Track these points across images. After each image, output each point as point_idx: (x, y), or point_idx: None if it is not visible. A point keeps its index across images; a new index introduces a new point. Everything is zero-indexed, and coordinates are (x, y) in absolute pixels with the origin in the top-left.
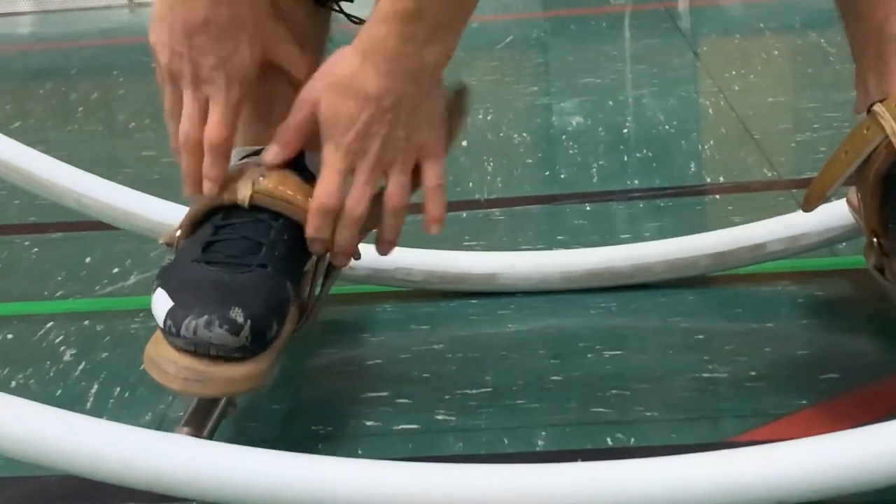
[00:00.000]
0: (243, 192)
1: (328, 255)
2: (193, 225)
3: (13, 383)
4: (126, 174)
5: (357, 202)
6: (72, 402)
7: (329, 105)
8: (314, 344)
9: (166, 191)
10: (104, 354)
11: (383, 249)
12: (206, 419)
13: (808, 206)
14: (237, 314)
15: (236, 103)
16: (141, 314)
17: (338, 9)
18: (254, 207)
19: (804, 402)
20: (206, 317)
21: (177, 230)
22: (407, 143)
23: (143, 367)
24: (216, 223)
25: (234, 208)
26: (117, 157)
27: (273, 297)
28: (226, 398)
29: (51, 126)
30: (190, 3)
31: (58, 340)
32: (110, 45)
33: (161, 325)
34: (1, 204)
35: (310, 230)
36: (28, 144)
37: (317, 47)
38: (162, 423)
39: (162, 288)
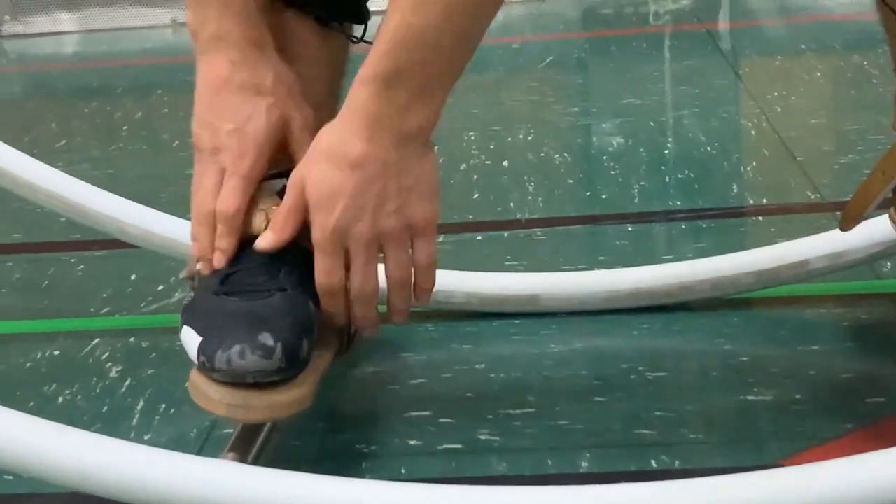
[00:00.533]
0: (257, 223)
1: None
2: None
3: (60, 399)
4: (170, 192)
5: (363, 283)
6: (118, 418)
7: (314, 180)
8: (357, 362)
9: None
10: (150, 371)
11: (397, 320)
12: (250, 445)
13: (845, 225)
14: (266, 339)
15: (250, 173)
16: None
17: (348, 34)
18: None
19: (849, 425)
20: (237, 346)
21: (196, 264)
22: (398, 217)
23: (187, 384)
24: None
25: (250, 239)
26: (161, 175)
27: (298, 317)
28: (270, 424)
29: (95, 144)
30: (214, 63)
31: (104, 357)
32: (154, 64)
33: (195, 361)
34: (46, 221)
35: (324, 307)
36: (73, 163)
37: (333, 74)
38: (207, 440)
39: (187, 325)
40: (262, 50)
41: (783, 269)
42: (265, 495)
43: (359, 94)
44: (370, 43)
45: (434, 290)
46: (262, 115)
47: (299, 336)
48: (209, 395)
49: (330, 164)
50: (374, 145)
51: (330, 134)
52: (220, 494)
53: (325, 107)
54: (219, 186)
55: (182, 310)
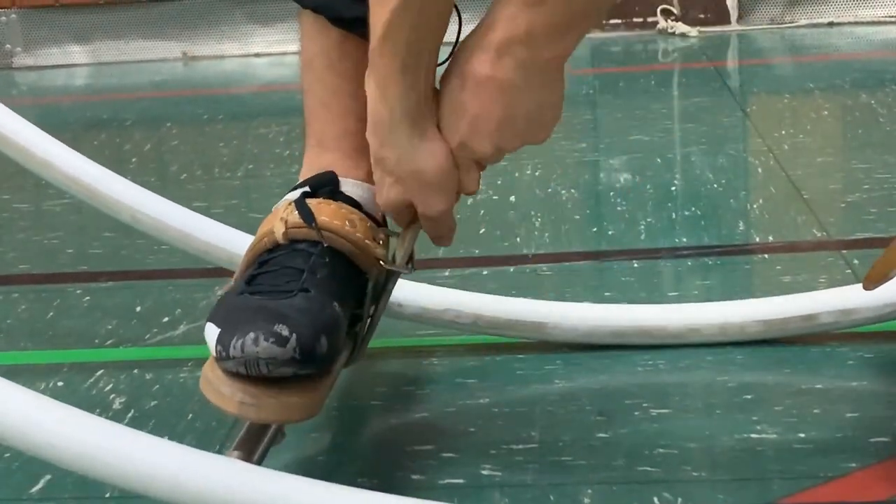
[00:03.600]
0: (278, 229)
1: (379, 278)
2: (243, 271)
3: None
4: None
5: (471, 191)
6: None
7: (443, 92)
8: (361, 396)
9: None
10: (153, 403)
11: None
12: (256, 445)
13: (869, 284)
14: (282, 329)
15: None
16: (190, 363)
17: None
18: (292, 240)
19: (853, 464)
20: (252, 334)
21: (233, 280)
22: (516, 141)
23: (190, 416)
24: (260, 260)
25: (275, 246)
26: None
27: (318, 315)
28: (275, 426)
29: None
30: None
31: (107, 388)
32: (164, 97)
33: (213, 352)
34: (54, 252)
35: (433, 223)
36: None
37: None
38: None
39: (210, 321)
40: None
41: (792, 321)
42: (268, 495)
43: (499, 11)
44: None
45: (443, 309)
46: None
47: (317, 332)
48: (221, 390)
49: (457, 80)
50: (500, 68)
51: (462, 51)
52: (222, 491)
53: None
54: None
55: (211, 311)
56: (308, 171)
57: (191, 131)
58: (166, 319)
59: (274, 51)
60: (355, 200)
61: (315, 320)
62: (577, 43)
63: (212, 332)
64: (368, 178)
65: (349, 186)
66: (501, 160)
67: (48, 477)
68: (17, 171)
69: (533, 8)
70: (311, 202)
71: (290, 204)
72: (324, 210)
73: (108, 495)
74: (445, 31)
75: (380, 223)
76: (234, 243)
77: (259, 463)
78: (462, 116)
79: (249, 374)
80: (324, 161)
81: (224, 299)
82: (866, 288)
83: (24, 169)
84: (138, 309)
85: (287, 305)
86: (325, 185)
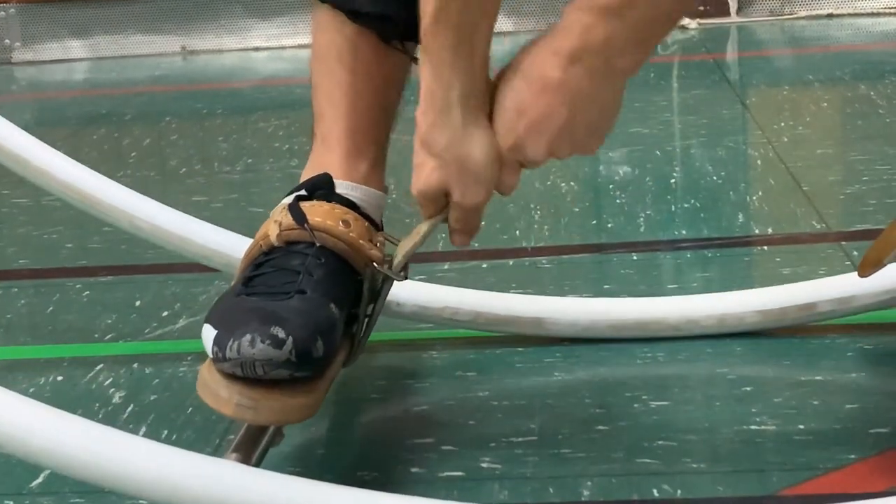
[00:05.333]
0: (273, 232)
1: (374, 278)
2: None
3: None
4: None
5: (510, 190)
6: None
7: (506, 92)
8: (360, 390)
9: None
10: (153, 397)
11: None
12: (254, 446)
13: (863, 271)
14: (278, 331)
15: None
16: (189, 357)
17: (410, 55)
18: (287, 242)
19: (853, 456)
20: (248, 336)
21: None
22: (571, 149)
23: (190, 410)
24: (256, 262)
25: (271, 249)
26: (169, 203)
27: (314, 317)
28: (274, 427)
29: (104, 171)
30: None
31: (107, 383)
32: (163, 92)
33: (209, 354)
34: (53, 247)
35: (460, 217)
36: None
37: (389, 91)
38: None
39: (207, 322)
40: None
41: (790, 311)
42: (267, 498)
43: (576, 18)
44: None
45: (441, 307)
46: None
47: (313, 335)
48: (218, 392)
49: (524, 80)
50: (572, 75)
51: (531, 52)
52: (221, 495)
53: (379, 124)
54: None
55: (207, 312)
56: (310, 170)
57: (190, 126)
58: (166, 314)
59: (273, 45)
60: (351, 201)
61: (311, 322)
62: (650, 54)
63: (209, 333)
64: (365, 181)
65: (344, 188)
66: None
67: (48, 471)
68: None
69: (612, 19)
70: (305, 205)
71: (284, 207)
72: (317, 211)
73: (107, 489)
74: (498, 12)
75: (378, 226)
76: (233, 248)
77: (258, 464)
78: (523, 117)
79: (246, 375)
80: (325, 160)
81: (221, 300)
82: (861, 275)
83: None
84: (138, 303)
85: (283, 307)
86: (320, 188)
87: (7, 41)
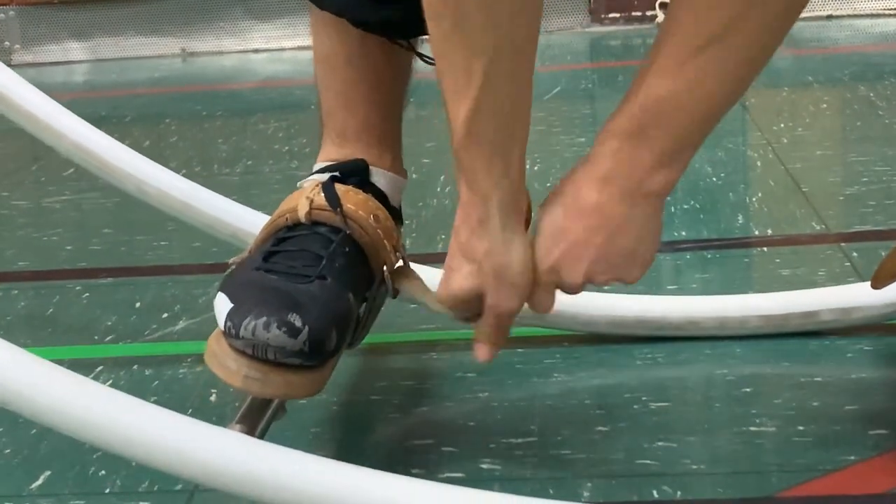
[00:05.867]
0: (302, 208)
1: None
2: (260, 244)
3: None
4: (178, 220)
5: (544, 310)
6: None
7: (545, 217)
8: (361, 390)
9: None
10: (152, 399)
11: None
12: (258, 419)
13: (877, 283)
14: (295, 319)
15: None
16: (189, 359)
17: (416, 52)
18: (315, 222)
19: (853, 457)
20: (264, 318)
21: (247, 252)
22: (608, 275)
23: (190, 412)
24: (279, 236)
25: (296, 224)
26: None
27: (332, 308)
28: (277, 401)
29: None
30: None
31: (107, 384)
32: (163, 94)
33: (222, 327)
34: (53, 249)
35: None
36: (82, 191)
37: (395, 87)
38: None
39: (222, 292)
40: None
41: (792, 317)
42: (271, 467)
43: (604, 145)
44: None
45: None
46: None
47: (329, 326)
48: (227, 364)
49: (560, 206)
50: (606, 199)
51: (569, 178)
52: (226, 463)
53: (395, 113)
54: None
55: (222, 279)
56: (325, 158)
57: (189, 127)
58: (165, 315)
59: (272, 46)
60: (383, 193)
61: (328, 312)
62: (680, 174)
63: (223, 304)
64: (392, 169)
65: (378, 177)
66: (581, 291)
67: (48, 473)
68: (16, 168)
69: (637, 142)
70: (340, 188)
71: (317, 185)
72: (351, 198)
73: (107, 491)
74: (530, 111)
75: (399, 214)
76: (240, 218)
77: (261, 437)
78: (560, 242)
79: (256, 356)
80: (346, 151)
81: (238, 271)
82: (874, 287)
83: (24, 166)
84: (137, 305)
85: (303, 291)
86: (356, 174)
87: (7, 43)
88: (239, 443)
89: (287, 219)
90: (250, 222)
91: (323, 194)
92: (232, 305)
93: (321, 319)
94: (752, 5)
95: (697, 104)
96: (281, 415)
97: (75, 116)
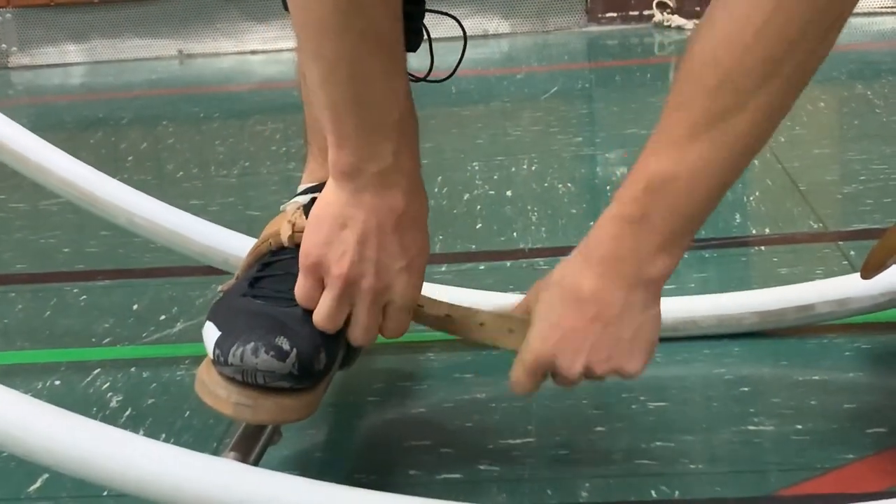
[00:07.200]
0: (285, 232)
1: None
2: (246, 270)
3: None
4: None
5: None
6: None
7: (541, 302)
8: (357, 391)
9: None
10: (150, 401)
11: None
12: (252, 445)
13: (866, 273)
14: (283, 342)
15: (414, 303)
16: (187, 361)
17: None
18: (298, 245)
19: (851, 456)
20: (252, 343)
21: (235, 278)
22: (606, 366)
23: (187, 413)
24: (263, 261)
25: (280, 249)
26: None
27: (320, 330)
28: (271, 426)
29: None
30: (387, 197)
31: (105, 387)
32: (160, 96)
33: (210, 355)
34: (50, 251)
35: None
36: None
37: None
38: None
39: (210, 320)
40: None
41: (788, 312)
42: (265, 496)
43: (602, 229)
44: (431, 81)
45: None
46: (427, 245)
47: (317, 347)
48: (217, 392)
49: (558, 292)
50: (604, 285)
51: (567, 263)
52: (220, 493)
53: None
54: (378, 320)
55: (210, 308)
56: (311, 179)
57: (187, 129)
58: (163, 318)
59: (270, 48)
60: None
61: (315, 335)
62: (678, 261)
63: (211, 333)
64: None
65: None
66: (580, 384)
67: (46, 476)
68: (14, 171)
69: (635, 227)
70: None
71: (299, 208)
72: None
73: (105, 493)
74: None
75: None
76: (230, 245)
77: (255, 463)
78: (556, 329)
79: (246, 381)
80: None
81: (225, 299)
82: (864, 277)
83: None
84: (135, 307)
85: (290, 315)
86: None
87: (4, 45)
88: (233, 471)
89: (271, 244)
90: (241, 248)
91: (305, 217)
92: (220, 333)
93: (309, 341)
94: (765, 80)
95: (706, 182)
96: (277, 439)
97: (60, 151)
